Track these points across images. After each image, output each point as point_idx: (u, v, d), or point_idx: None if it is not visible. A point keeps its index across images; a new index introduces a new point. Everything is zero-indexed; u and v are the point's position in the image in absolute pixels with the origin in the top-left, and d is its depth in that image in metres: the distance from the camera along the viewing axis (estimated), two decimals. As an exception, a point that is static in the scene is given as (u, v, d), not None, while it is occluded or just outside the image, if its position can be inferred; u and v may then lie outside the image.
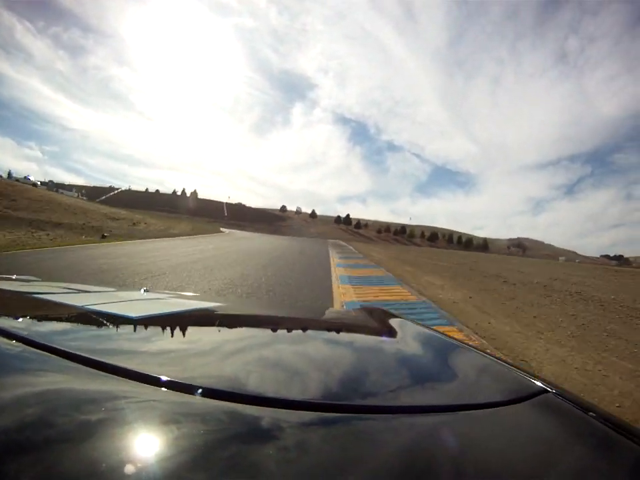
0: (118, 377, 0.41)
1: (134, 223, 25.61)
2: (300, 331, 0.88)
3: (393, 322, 0.98)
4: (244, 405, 0.38)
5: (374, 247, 35.69)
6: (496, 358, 0.68)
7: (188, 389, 0.39)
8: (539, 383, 0.54)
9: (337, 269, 10.02)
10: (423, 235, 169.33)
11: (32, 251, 8.61)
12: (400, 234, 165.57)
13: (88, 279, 5.54)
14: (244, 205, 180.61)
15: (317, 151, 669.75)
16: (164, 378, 0.41)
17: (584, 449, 0.40)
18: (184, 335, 0.72)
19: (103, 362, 0.43)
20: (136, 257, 8.89)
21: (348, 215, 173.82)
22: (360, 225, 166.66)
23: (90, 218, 23.83)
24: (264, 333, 0.82)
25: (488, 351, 0.63)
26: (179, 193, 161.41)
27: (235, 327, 0.87)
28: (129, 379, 0.41)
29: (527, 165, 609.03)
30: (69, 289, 1.09)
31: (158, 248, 12.18)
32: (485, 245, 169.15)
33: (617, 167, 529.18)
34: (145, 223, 27.61)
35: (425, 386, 0.57)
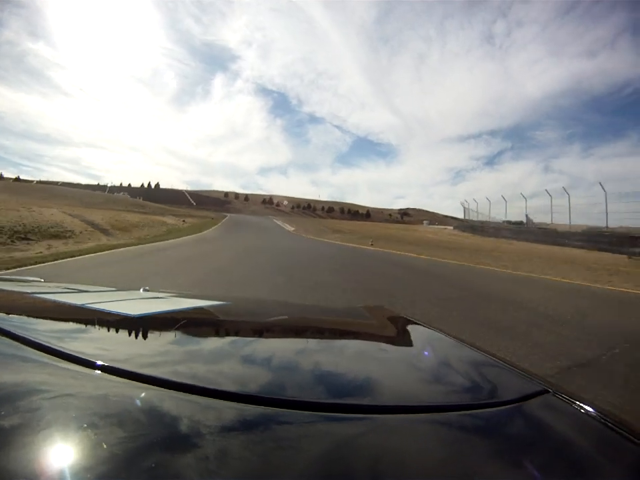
0: (115, 377, 0.41)
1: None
2: (299, 330, 0.89)
3: (395, 320, 1.00)
4: (244, 405, 0.38)
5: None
6: (496, 357, 0.68)
7: (189, 388, 0.40)
8: (539, 383, 0.54)
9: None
10: (322, 209, 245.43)
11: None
12: (307, 209, 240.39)
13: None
14: (198, 193, 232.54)
15: (238, 123, 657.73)
16: (163, 378, 0.41)
17: (584, 449, 0.40)
18: (183, 333, 0.73)
19: (99, 363, 0.43)
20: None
21: (271, 197, 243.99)
22: (279, 204, 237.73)
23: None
24: (261, 332, 0.82)
25: (488, 350, 0.71)
26: (145, 186, 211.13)
27: (233, 325, 0.88)
28: (127, 378, 0.41)
29: (449, 138, 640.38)
30: (69, 288, 1.10)
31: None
32: (367, 214, 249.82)
33: (536, 142, 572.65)
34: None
35: (424, 385, 0.56)
